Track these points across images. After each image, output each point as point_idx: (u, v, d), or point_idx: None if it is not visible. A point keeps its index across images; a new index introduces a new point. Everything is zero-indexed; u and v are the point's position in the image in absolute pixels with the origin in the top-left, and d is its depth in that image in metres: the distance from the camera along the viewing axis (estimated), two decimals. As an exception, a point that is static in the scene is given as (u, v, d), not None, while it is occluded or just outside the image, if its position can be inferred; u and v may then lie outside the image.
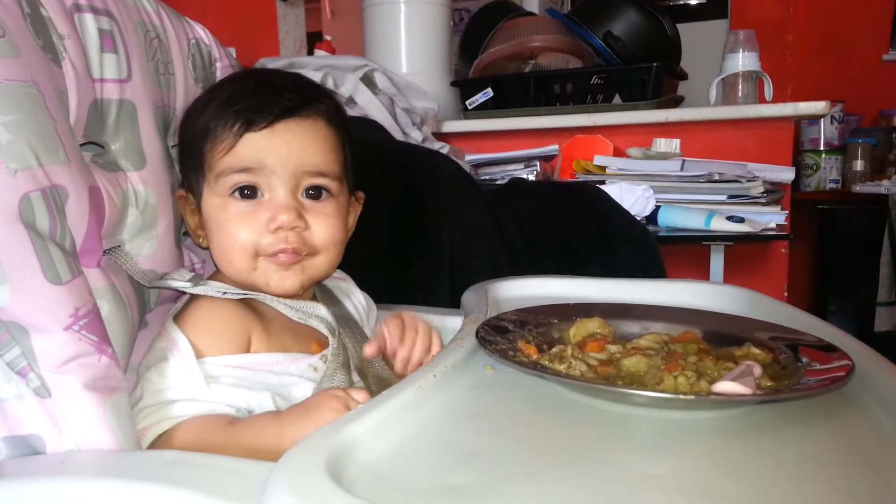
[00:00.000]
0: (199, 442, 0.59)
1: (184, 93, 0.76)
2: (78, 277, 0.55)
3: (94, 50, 0.65)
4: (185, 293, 0.70)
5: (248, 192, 0.68)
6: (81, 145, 0.63)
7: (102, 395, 0.55)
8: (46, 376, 0.53)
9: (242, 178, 0.67)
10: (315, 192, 0.70)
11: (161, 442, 0.60)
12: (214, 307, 0.67)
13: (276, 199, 0.68)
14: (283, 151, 0.68)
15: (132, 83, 0.68)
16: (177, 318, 0.67)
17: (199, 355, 0.64)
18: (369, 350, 0.69)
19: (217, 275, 0.74)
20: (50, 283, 0.53)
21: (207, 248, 0.74)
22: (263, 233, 0.68)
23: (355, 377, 0.72)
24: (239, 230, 0.68)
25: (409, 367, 0.69)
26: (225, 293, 0.68)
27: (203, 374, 0.63)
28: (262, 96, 0.69)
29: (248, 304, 0.69)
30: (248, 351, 0.67)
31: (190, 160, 0.71)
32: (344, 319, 0.76)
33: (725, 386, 0.52)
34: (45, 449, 0.54)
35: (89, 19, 0.65)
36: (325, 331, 0.72)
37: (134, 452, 0.57)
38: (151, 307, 0.72)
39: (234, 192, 0.68)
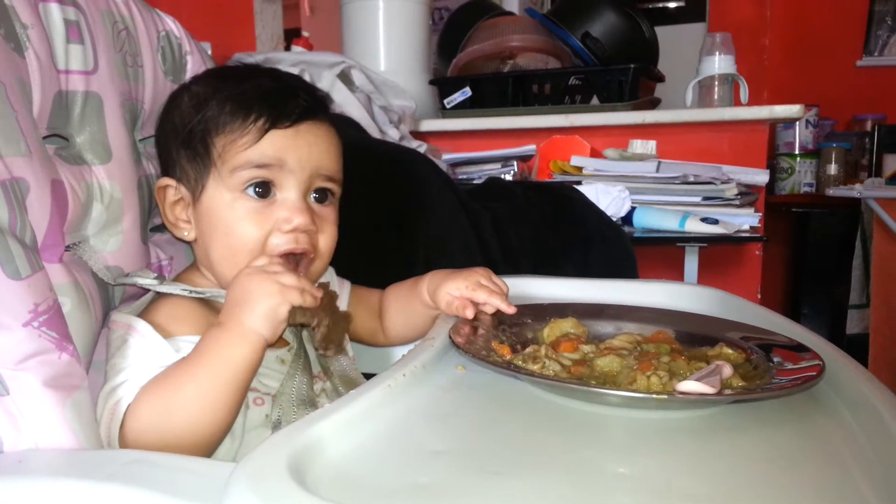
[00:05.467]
0: (164, 383, 0.59)
1: (152, 86, 0.75)
2: (38, 273, 0.54)
3: (60, 41, 0.63)
4: (147, 291, 0.69)
5: (262, 189, 0.67)
6: (45, 138, 0.62)
7: (62, 393, 0.54)
8: (4, 374, 0.52)
9: (260, 174, 0.66)
10: (321, 196, 0.71)
11: (131, 410, 0.58)
12: (179, 303, 0.67)
13: (290, 199, 0.68)
14: (305, 152, 0.68)
15: (99, 75, 0.67)
16: (140, 315, 0.65)
17: (165, 335, 0.63)
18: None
19: (184, 275, 0.73)
20: (8, 277, 0.51)
21: (188, 242, 0.72)
22: (274, 232, 0.67)
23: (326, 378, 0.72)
24: (250, 228, 0.67)
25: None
26: (190, 292, 0.67)
27: (173, 348, 0.62)
28: (284, 94, 0.69)
29: (212, 307, 0.69)
30: None
31: (189, 151, 0.68)
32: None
33: (689, 385, 0.52)
34: (3, 448, 0.52)
35: (55, 9, 0.63)
36: (287, 336, 0.72)
37: (93, 451, 0.55)
38: (116, 304, 0.70)
39: (247, 187, 0.66)
